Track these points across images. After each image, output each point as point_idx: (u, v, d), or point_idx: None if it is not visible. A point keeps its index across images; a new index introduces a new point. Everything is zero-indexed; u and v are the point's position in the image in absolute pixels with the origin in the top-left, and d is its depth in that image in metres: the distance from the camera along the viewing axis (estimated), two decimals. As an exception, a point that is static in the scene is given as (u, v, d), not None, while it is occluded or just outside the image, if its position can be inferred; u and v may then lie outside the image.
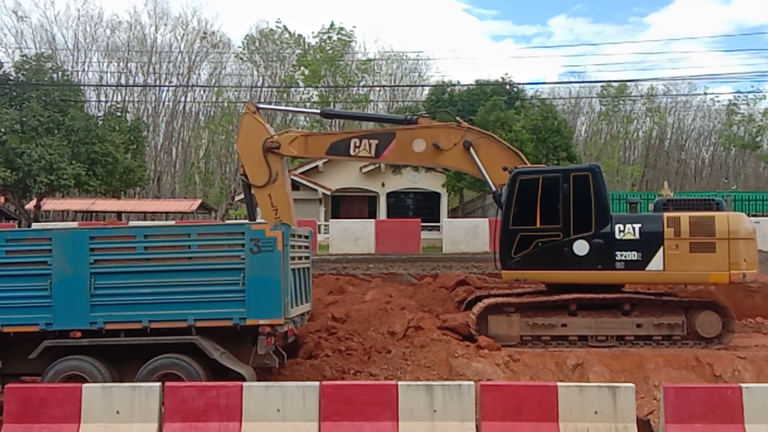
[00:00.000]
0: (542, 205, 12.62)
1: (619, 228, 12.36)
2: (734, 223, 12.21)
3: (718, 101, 61.66)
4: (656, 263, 12.24)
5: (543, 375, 11.57)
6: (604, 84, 57.61)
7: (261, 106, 15.38)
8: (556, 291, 12.83)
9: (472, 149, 13.67)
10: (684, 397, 8.25)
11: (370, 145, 14.08)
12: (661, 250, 12.23)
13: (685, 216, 12.28)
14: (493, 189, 13.60)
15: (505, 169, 13.37)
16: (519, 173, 12.90)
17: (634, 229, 12.33)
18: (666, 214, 12.38)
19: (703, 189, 55.23)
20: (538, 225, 12.60)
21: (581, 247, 12.41)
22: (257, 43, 56.28)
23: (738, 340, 12.95)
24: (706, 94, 62.82)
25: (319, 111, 16.72)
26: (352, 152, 14.22)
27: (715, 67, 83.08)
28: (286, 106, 47.87)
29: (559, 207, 12.53)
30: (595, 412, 8.21)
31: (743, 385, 8.50)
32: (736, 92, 70.49)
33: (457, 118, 14.79)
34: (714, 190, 48.82)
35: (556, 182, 12.60)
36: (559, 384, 8.52)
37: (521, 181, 12.76)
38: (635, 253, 12.30)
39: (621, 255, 12.32)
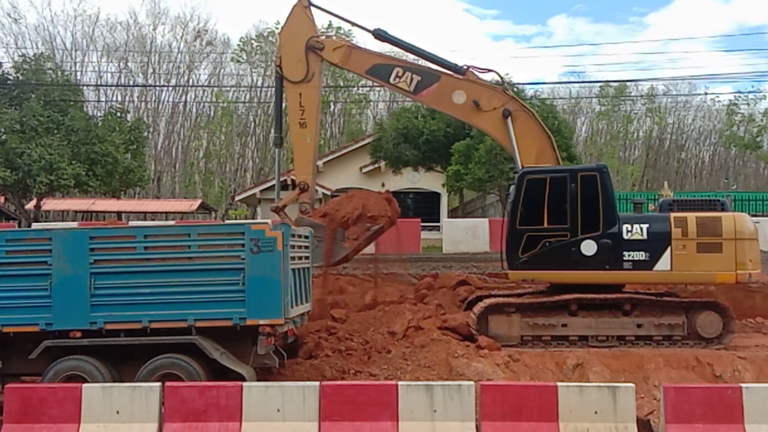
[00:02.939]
0: (550, 205, 12.59)
1: (627, 228, 12.34)
2: (740, 224, 12.22)
3: (719, 101, 61.85)
4: (663, 263, 12.23)
5: (543, 375, 11.57)
6: (603, 84, 57.69)
7: (315, 2, 14.28)
8: (556, 291, 12.81)
9: (510, 119, 13.37)
10: (684, 397, 8.25)
11: (411, 79, 13.69)
12: (668, 250, 12.22)
13: (692, 216, 12.27)
14: (519, 166, 13.30)
15: (511, 169, 13.28)
16: (526, 173, 12.85)
17: (641, 229, 12.31)
18: (673, 215, 12.37)
19: (703, 189, 55.20)
20: (545, 225, 12.56)
21: (589, 247, 12.38)
22: (253, 44, 56.26)
23: (738, 340, 12.94)
24: (706, 94, 63.14)
25: (371, 30, 15.64)
26: (391, 80, 13.84)
27: (715, 67, 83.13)
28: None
29: (567, 207, 12.51)
30: (595, 412, 8.21)
31: (743, 385, 8.50)
32: (737, 92, 70.65)
33: (506, 84, 14.32)
34: (714, 190, 48.79)
35: (564, 182, 12.57)
36: (559, 384, 8.51)
37: (528, 180, 12.72)
38: (643, 253, 12.28)
39: (629, 255, 12.30)
